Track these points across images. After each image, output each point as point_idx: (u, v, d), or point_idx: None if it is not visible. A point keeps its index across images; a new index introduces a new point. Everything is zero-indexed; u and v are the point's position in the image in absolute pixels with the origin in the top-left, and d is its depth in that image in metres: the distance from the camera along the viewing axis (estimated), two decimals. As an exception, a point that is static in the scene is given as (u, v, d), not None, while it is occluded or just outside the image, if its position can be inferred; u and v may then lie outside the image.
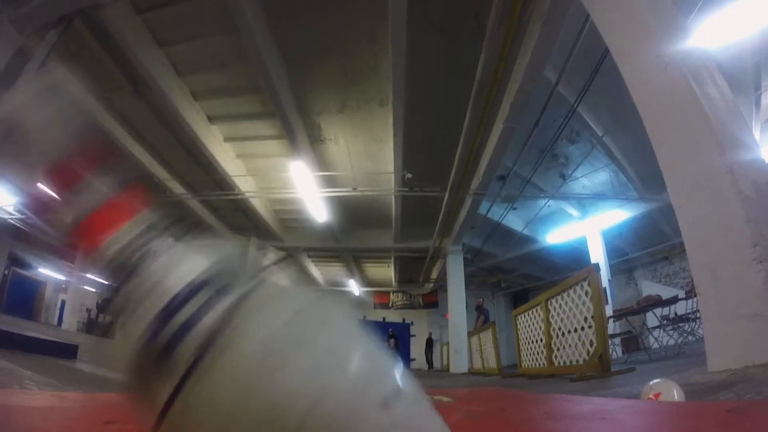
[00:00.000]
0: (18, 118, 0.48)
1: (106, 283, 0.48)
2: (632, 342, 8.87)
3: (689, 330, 6.77)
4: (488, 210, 11.13)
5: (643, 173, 10.15)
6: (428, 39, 6.13)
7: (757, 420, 1.11)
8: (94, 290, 18.30)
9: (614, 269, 13.85)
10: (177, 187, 10.71)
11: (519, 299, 19.19)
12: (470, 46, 6.16)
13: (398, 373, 0.50)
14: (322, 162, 9.48)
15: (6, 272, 15.50)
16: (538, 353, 6.10)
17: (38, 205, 0.53)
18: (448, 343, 14.72)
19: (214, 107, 8.12)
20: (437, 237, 12.13)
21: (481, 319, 11.48)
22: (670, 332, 7.09)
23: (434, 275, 16.81)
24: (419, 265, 15.38)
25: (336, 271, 18.37)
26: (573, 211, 12.79)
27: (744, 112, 7.16)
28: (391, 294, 20.16)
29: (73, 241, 0.51)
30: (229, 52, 6.69)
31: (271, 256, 0.53)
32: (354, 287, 19.40)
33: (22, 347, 3.90)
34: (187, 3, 5.98)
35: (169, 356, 0.39)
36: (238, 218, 12.88)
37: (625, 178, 10.49)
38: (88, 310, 17.76)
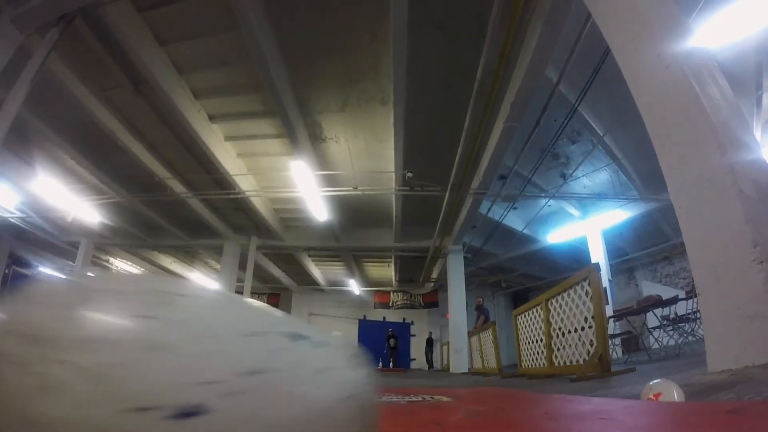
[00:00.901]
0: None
1: None
2: (632, 342, 8.87)
3: (689, 330, 6.77)
4: (489, 209, 11.13)
5: (643, 173, 10.15)
6: (430, 38, 6.12)
7: (758, 420, 1.11)
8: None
9: (614, 269, 13.86)
10: (177, 186, 10.71)
11: (519, 299, 19.22)
12: (471, 46, 6.16)
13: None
14: (322, 161, 9.48)
15: (7, 271, 15.52)
16: (538, 353, 6.10)
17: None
18: (448, 342, 14.73)
19: (215, 106, 8.11)
20: (438, 236, 12.13)
21: (481, 319, 11.48)
22: (671, 332, 7.09)
23: (434, 275, 16.82)
24: (420, 265, 15.39)
25: (336, 270, 18.39)
26: (573, 211, 12.80)
27: (745, 111, 7.16)
28: (391, 293, 20.18)
29: None
30: (230, 50, 6.68)
31: None
32: (354, 286, 19.42)
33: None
34: (188, 1, 5.98)
35: None
36: (239, 217, 12.88)
37: (625, 178, 10.49)
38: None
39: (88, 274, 0.48)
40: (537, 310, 6.15)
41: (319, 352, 0.51)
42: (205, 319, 0.45)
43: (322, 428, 0.46)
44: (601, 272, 4.98)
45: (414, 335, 20.47)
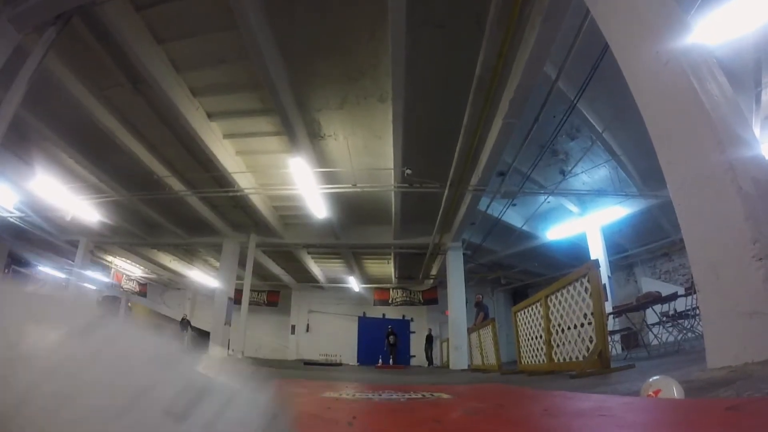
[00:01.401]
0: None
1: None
2: (632, 339, 8.91)
3: (689, 327, 6.78)
4: (488, 206, 11.14)
5: (643, 169, 10.15)
6: (428, 35, 6.10)
7: (757, 417, 1.11)
8: (93, 288, 18.35)
9: (614, 266, 13.88)
10: (176, 184, 10.70)
11: (519, 296, 19.24)
12: (470, 43, 6.14)
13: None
14: (321, 158, 9.47)
15: (6, 270, 15.50)
16: (537, 350, 6.11)
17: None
18: (447, 339, 14.77)
19: (214, 104, 8.10)
20: (437, 233, 12.13)
21: (480, 316, 11.50)
22: (670, 329, 7.11)
23: (434, 271, 16.82)
24: (419, 262, 15.40)
25: (336, 267, 18.40)
26: (573, 208, 12.80)
27: (744, 108, 7.16)
28: (390, 290, 20.18)
29: None
30: (229, 48, 6.66)
31: None
32: (354, 284, 19.44)
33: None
34: (187, 0, 5.96)
35: None
36: (238, 215, 12.88)
37: (624, 175, 10.49)
38: (89, 307, 17.75)
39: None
40: (536, 307, 6.16)
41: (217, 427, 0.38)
42: (75, 376, 0.35)
43: None
44: (601, 269, 4.98)
45: (413, 332, 20.51)
